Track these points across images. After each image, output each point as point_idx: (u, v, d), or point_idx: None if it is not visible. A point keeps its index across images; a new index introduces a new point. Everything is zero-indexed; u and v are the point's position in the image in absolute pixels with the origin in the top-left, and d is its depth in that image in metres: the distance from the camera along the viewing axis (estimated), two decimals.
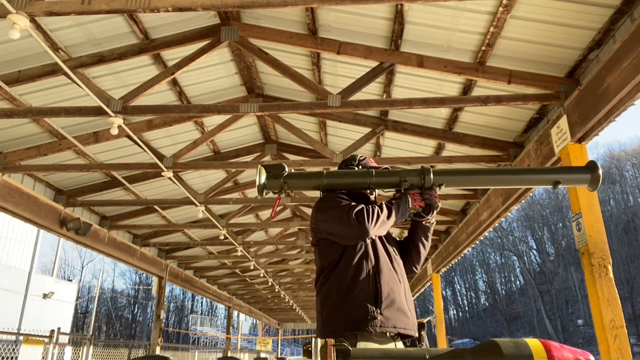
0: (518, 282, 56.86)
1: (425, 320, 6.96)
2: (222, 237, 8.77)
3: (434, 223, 2.19)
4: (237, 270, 13.77)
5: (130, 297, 53.81)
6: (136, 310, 54.18)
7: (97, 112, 4.45)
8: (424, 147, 6.28)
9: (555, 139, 4.08)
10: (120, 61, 4.60)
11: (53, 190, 7.01)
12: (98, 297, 34.37)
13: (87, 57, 4.51)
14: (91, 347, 8.82)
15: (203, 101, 5.87)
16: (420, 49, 4.31)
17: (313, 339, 1.37)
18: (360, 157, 2.35)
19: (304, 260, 13.74)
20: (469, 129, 5.44)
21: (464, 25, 3.90)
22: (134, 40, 4.59)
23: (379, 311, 1.88)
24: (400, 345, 1.97)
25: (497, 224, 6.59)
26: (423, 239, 2.22)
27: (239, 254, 10.40)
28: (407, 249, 2.24)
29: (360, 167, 2.29)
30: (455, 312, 62.31)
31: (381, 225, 1.96)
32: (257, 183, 2.05)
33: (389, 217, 1.98)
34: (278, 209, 10.23)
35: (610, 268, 3.36)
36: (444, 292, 57.24)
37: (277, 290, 16.14)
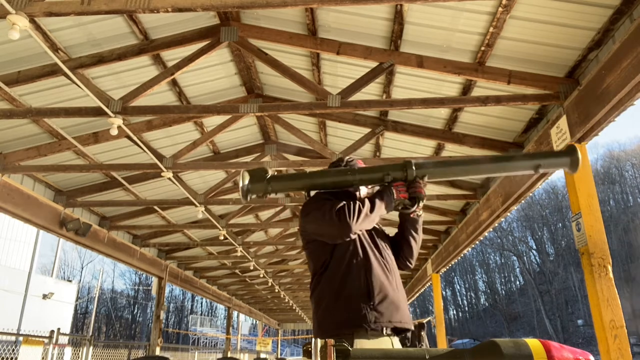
0: (518, 282, 56.93)
1: (425, 321, 6.98)
2: (221, 238, 8.76)
3: (422, 215, 2.22)
4: (236, 271, 13.76)
5: (130, 297, 53.84)
6: (136, 310, 54.22)
7: (97, 112, 4.45)
8: (424, 147, 6.28)
9: (554, 139, 4.08)
10: (119, 62, 4.59)
11: (53, 191, 7.01)
12: (98, 298, 34.40)
13: (87, 57, 4.51)
14: (91, 347, 8.81)
15: (203, 101, 5.87)
16: (419, 49, 4.31)
17: (313, 339, 1.37)
18: (349, 158, 2.35)
19: (304, 261, 13.69)
20: (468, 129, 5.44)
21: (463, 25, 3.90)
22: (134, 41, 4.58)
23: (372, 307, 1.89)
24: (397, 340, 1.97)
25: (496, 224, 6.58)
26: (412, 231, 2.22)
27: (239, 254, 10.39)
28: (399, 245, 2.25)
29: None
30: (455, 312, 62.37)
31: (365, 220, 1.96)
32: (241, 187, 2.04)
33: (371, 210, 1.98)
34: (278, 209, 10.23)
35: (610, 268, 3.36)
36: (443, 292, 57.22)
37: (276, 290, 16.13)
